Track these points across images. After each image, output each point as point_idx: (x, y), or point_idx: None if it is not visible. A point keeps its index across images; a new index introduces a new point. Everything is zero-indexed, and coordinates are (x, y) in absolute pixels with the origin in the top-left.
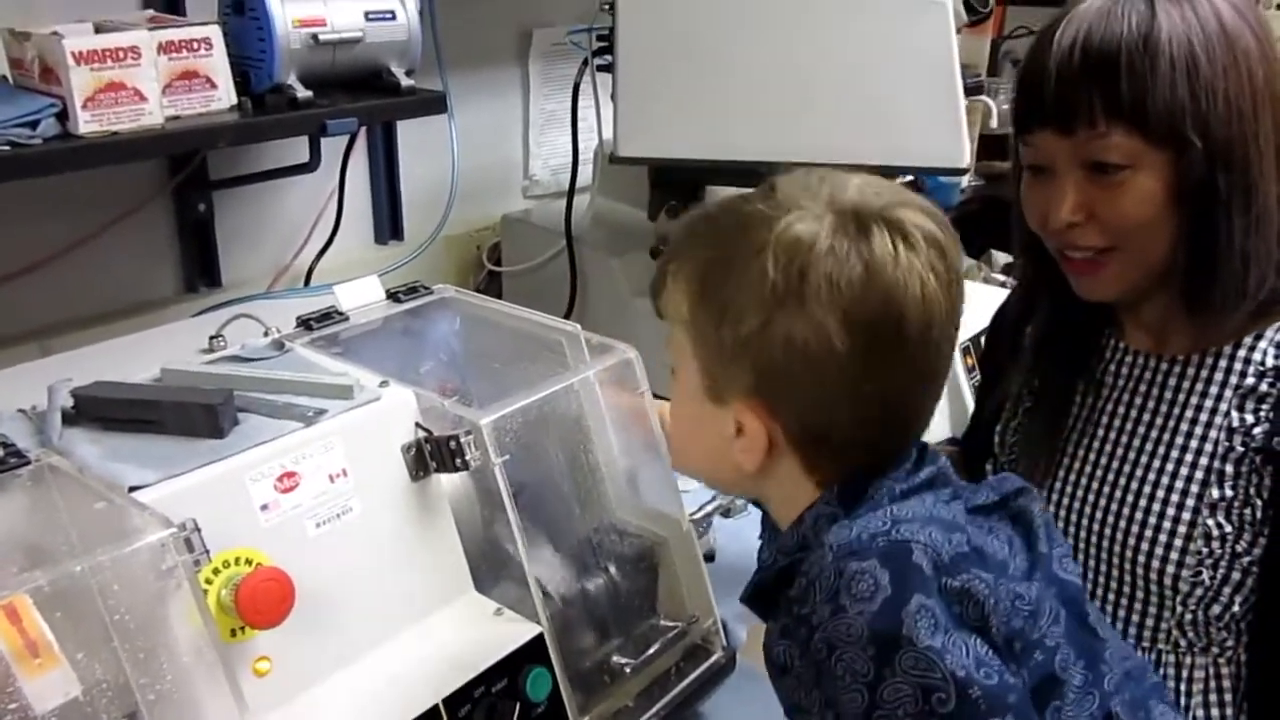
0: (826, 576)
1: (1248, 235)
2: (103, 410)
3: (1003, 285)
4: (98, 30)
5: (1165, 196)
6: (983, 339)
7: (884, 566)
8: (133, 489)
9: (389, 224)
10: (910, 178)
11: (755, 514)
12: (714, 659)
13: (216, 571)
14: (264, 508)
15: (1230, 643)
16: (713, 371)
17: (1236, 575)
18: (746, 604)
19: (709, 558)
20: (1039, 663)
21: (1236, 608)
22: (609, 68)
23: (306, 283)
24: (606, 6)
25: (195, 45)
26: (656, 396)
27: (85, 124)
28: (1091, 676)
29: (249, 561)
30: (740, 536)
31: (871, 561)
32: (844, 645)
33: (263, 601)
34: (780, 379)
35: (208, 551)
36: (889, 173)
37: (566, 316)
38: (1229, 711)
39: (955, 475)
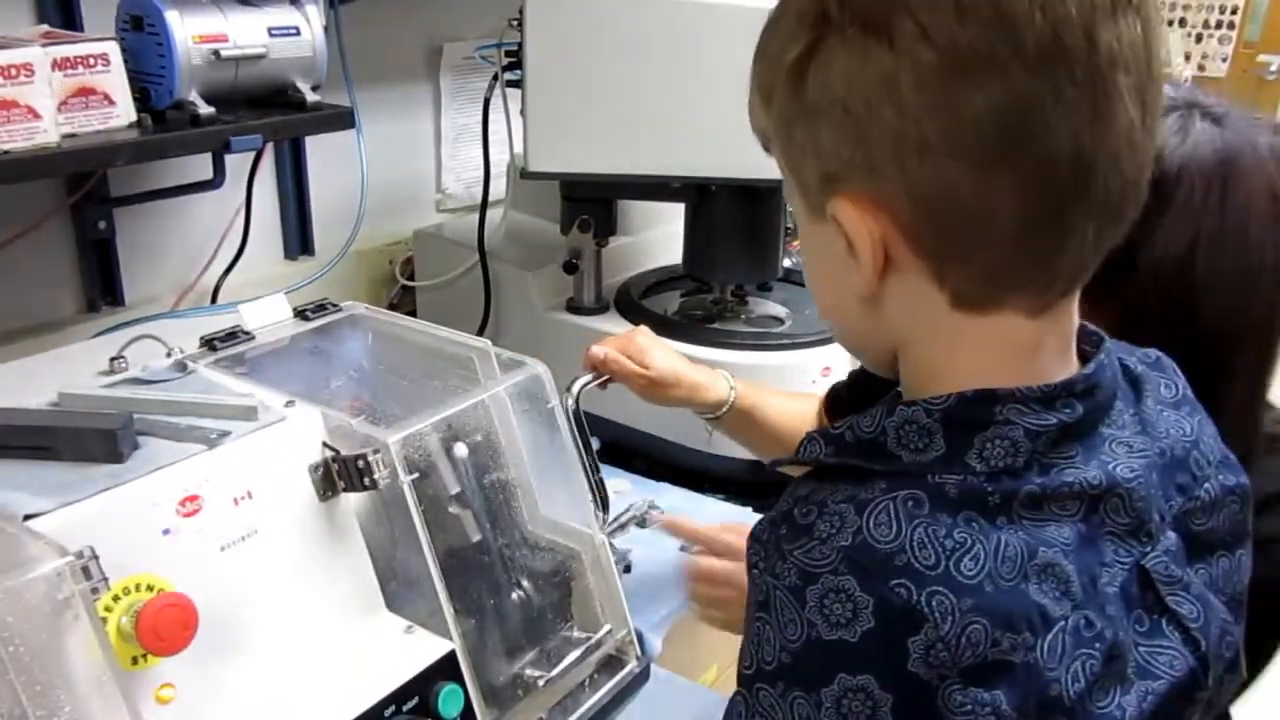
0: (819, 556)
1: None
2: None
3: None
4: None
5: None
6: None
7: (874, 613)
8: (28, 517)
9: (298, 239)
10: None
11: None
12: (628, 669)
13: (116, 599)
14: (166, 532)
15: None
16: (796, 170)
17: None
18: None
19: (625, 569)
20: None
21: None
22: (519, 83)
23: (213, 300)
24: (514, 22)
25: (92, 61)
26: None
27: None
28: None
29: (150, 588)
30: (657, 545)
31: (864, 596)
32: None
33: (164, 628)
34: (857, 133)
35: (106, 579)
36: None
37: (480, 330)
38: None
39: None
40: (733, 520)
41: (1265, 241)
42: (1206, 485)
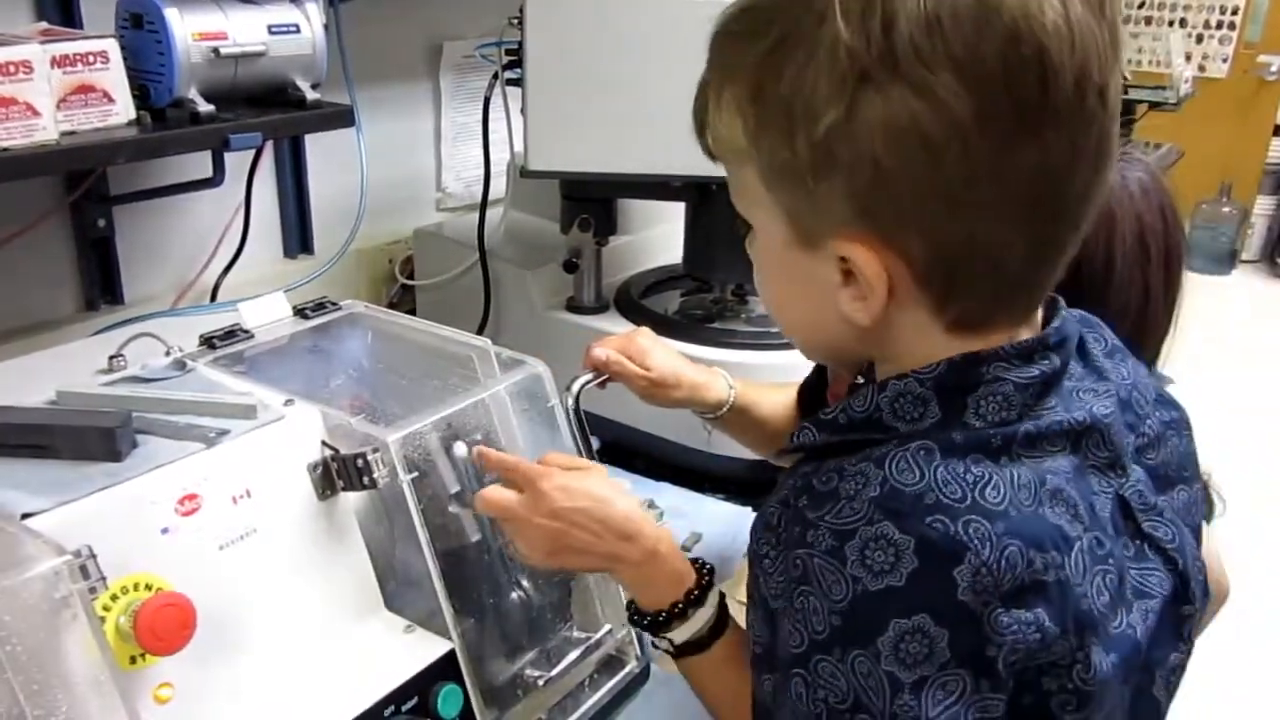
0: (850, 513)
1: None
2: None
3: None
4: None
5: None
6: None
7: (917, 552)
8: (25, 516)
9: (298, 238)
10: None
11: (671, 522)
12: (628, 669)
13: (115, 598)
14: (164, 531)
15: None
16: (795, 207)
17: None
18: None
19: None
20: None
21: None
22: (519, 81)
23: (213, 299)
24: (515, 21)
25: (91, 59)
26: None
27: None
28: None
29: (148, 587)
30: None
31: (904, 537)
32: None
33: (162, 627)
34: (887, 186)
35: (104, 578)
36: None
37: (480, 329)
38: None
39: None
40: (734, 521)
41: (1133, 280)
42: (1149, 422)
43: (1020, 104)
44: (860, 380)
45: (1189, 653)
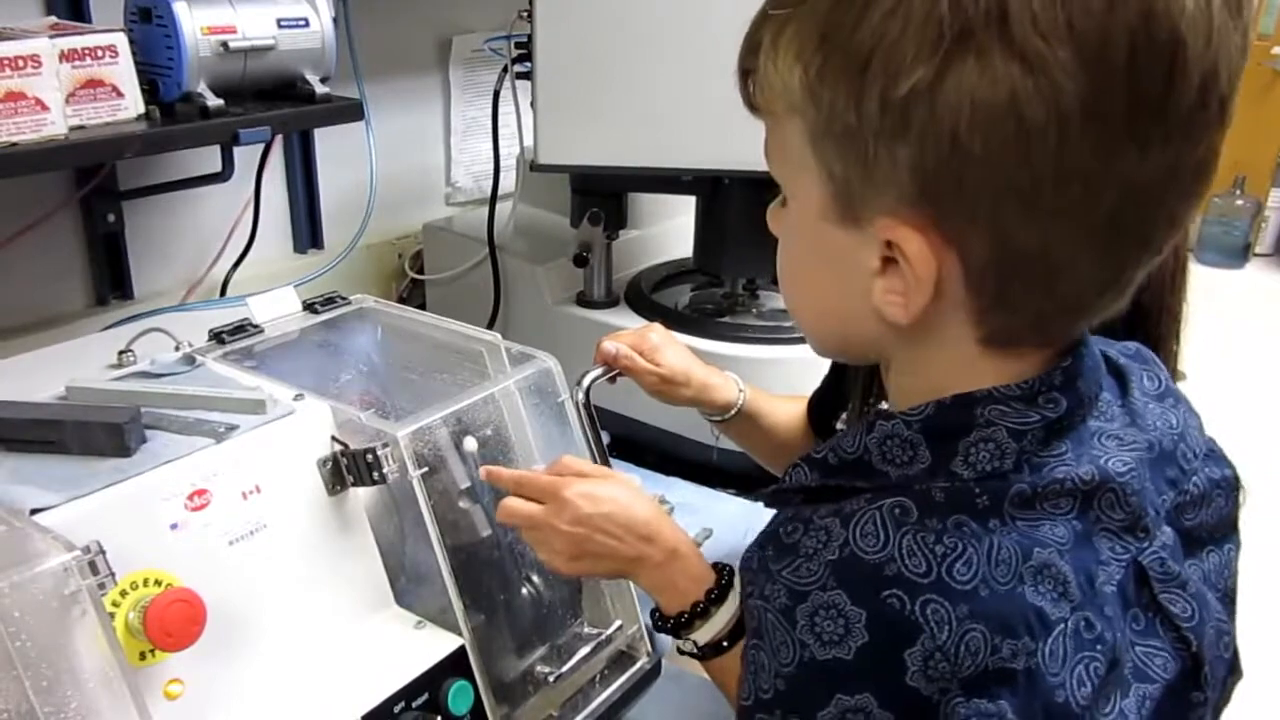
0: (806, 573)
1: None
2: (3, 431)
3: None
4: None
5: None
6: None
7: (867, 627)
8: (34, 511)
9: (308, 233)
10: None
11: (681, 518)
12: (639, 665)
13: (124, 594)
14: (173, 527)
15: None
16: (845, 174)
17: None
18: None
19: None
20: None
21: None
22: (528, 75)
23: (223, 294)
24: (524, 14)
25: (99, 53)
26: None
27: None
28: None
29: (158, 582)
30: None
31: (856, 610)
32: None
33: (172, 623)
34: (961, 169)
35: (114, 574)
36: None
37: (490, 324)
38: None
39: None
40: (745, 518)
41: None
42: (1195, 479)
43: (1137, 99)
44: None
45: None
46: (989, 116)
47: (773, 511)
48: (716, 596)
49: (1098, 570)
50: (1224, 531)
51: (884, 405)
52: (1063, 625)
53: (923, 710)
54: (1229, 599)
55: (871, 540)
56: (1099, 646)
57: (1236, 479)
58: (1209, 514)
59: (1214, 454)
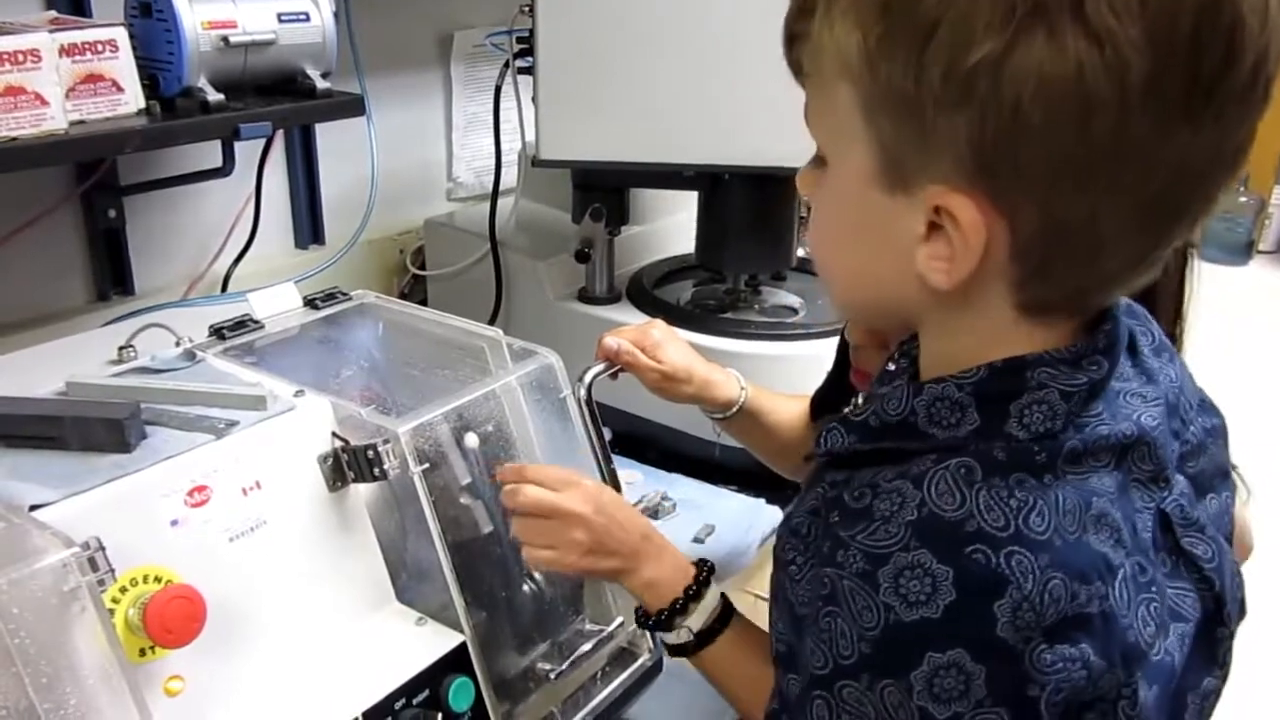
0: (885, 536)
1: None
2: (3, 427)
3: None
4: None
5: None
6: None
7: (955, 584)
8: (34, 508)
9: (309, 228)
10: None
11: (683, 514)
12: (641, 662)
13: (124, 590)
14: (173, 523)
15: None
16: (898, 142)
17: None
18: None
19: None
20: None
21: None
22: (530, 70)
23: (223, 290)
24: (526, 9)
25: (100, 48)
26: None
27: None
28: None
29: (158, 579)
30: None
31: (942, 568)
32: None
33: (172, 620)
34: (1019, 140)
35: (113, 570)
36: None
37: (492, 320)
38: None
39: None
40: (746, 514)
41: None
42: (1193, 429)
43: (1196, 79)
44: (892, 366)
45: (1225, 678)
46: (1054, 90)
47: (774, 509)
48: (704, 581)
49: (1136, 518)
50: (1220, 478)
51: None
52: (1123, 570)
53: (1011, 660)
54: (1229, 541)
55: (948, 499)
56: (1153, 589)
57: (1224, 426)
58: (1206, 461)
59: (1205, 403)
